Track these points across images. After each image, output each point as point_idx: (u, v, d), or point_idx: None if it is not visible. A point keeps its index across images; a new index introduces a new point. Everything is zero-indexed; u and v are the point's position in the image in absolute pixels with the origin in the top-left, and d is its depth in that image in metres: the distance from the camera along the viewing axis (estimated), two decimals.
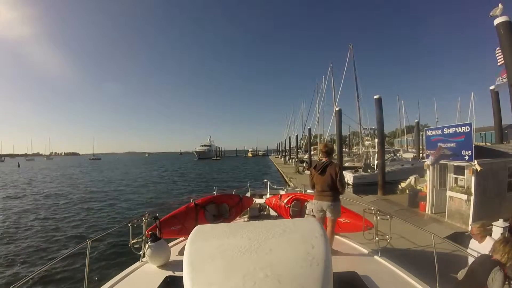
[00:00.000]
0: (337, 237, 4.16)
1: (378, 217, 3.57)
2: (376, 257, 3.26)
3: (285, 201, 5.42)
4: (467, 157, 7.99)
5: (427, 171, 10.00)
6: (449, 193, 8.75)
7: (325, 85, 35.25)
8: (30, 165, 71.29)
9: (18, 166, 62.04)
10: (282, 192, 7.75)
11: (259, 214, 5.82)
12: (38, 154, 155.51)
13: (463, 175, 8.37)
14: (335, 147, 27.35)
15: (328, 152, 4.05)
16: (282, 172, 29.54)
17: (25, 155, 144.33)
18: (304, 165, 29.51)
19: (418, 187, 12.67)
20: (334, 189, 3.85)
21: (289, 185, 12.24)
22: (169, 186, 24.70)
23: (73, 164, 70.59)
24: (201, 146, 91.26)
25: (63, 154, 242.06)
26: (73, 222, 12.01)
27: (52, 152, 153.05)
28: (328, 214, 3.87)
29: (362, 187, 16.79)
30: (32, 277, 2.41)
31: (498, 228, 5.73)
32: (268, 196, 7.34)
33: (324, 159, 4.01)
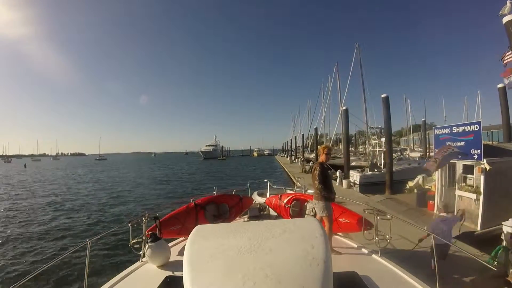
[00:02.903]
0: (337, 237, 4.14)
1: (378, 217, 3.56)
2: (376, 257, 3.25)
3: (285, 201, 5.39)
4: (476, 156, 7.88)
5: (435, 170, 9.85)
6: (458, 192, 8.63)
7: (331, 84, 35.11)
8: (37, 165, 72.24)
9: (25, 166, 62.91)
10: (282, 192, 7.72)
11: (259, 214, 5.80)
12: (44, 155, 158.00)
13: (472, 174, 8.25)
14: (340, 146, 27.32)
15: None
16: (288, 172, 29.55)
17: (32, 155, 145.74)
18: (311, 164, 29.40)
19: (426, 187, 12.54)
20: (315, 187, 4.07)
21: (296, 186, 12.21)
22: (178, 186, 24.78)
23: (79, 165, 71.43)
24: (206, 146, 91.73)
25: (69, 154, 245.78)
26: (74, 222, 12.10)
27: (59, 153, 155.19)
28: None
29: (369, 187, 16.65)
30: (32, 277, 2.39)
31: (508, 228, 5.61)
32: (268, 196, 7.31)
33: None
